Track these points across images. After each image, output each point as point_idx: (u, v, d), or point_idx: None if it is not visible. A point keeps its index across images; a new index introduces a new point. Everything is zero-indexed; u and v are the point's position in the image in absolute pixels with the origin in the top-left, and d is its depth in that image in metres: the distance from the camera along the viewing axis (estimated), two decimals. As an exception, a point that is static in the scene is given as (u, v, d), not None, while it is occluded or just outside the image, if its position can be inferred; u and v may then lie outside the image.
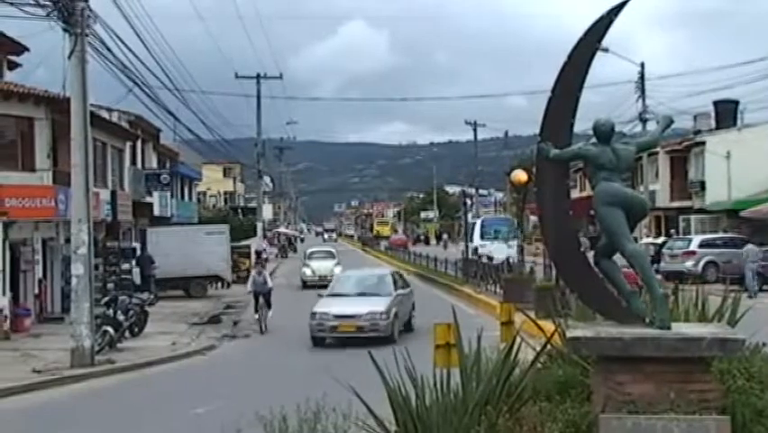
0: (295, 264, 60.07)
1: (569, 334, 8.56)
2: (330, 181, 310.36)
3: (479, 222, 51.88)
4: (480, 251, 45.83)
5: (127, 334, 25.01)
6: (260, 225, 67.67)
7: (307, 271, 45.10)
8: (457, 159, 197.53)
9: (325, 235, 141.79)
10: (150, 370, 21.34)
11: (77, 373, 20.24)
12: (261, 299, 28.43)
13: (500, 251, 43.86)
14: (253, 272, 30.43)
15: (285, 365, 21.30)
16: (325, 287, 31.77)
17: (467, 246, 45.22)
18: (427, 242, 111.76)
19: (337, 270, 41.04)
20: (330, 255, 48.08)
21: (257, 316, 28.49)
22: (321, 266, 45.17)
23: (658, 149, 52.87)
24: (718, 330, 8.56)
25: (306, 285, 43.15)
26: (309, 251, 49.64)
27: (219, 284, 42.29)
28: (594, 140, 9.12)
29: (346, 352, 21.96)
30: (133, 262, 38.08)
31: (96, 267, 27.72)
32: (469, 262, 42.95)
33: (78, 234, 21.24)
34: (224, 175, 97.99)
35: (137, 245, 40.69)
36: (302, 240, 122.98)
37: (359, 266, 41.42)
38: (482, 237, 48.37)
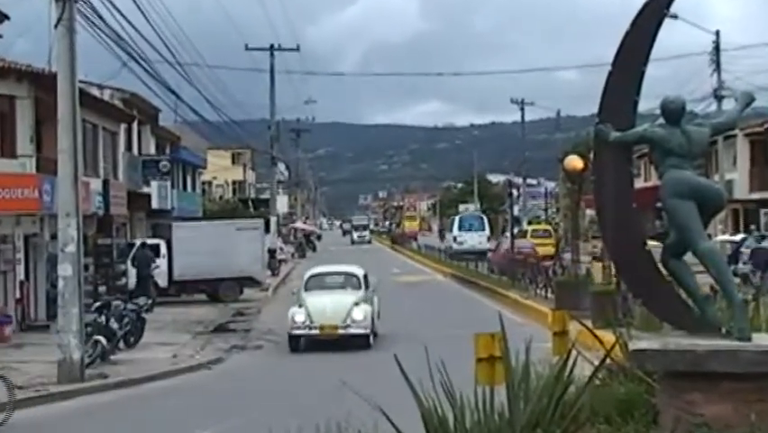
0: (313, 266, 59.99)
1: (632, 346, 8.55)
2: (354, 169, 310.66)
3: (457, 218, 77.53)
4: (457, 239, 71.37)
5: (121, 344, 25.18)
6: (273, 220, 67.79)
7: (298, 316, 26.20)
8: (501, 143, 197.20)
9: (355, 235, 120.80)
10: (147, 386, 21.45)
11: (64, 390, 20.38)
12: None
13: (473, 238, 70.32)
14: None
15: (302, 380, 21.38)
16: (333, 346, 25.45)
17: (512, 241, 47.10)
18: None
19: (359, 313, 26.06)
20: (349, 281, 28.09)
21: None
22: (326, 305, 26.35)
23: (736, 131, 52.48)
24: (807, 342, 8.52)
25: (295, 342, 26.56)
26: (310, 273, 28.96)
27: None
28: (661, 120, 9.10)
29: (372, 365, 21.98)
30: (128, 262, 38.42)
31: (86, 267, 27.92)
32: (515, 262, 43.21)
33: (66, 230, 21.38)
34: (233, 162, 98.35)
35: (161, 242, 41.13)
36: (319, 238, 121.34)
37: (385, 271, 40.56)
38: (460, 229, 72.85)
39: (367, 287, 27.90)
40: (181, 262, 40.17)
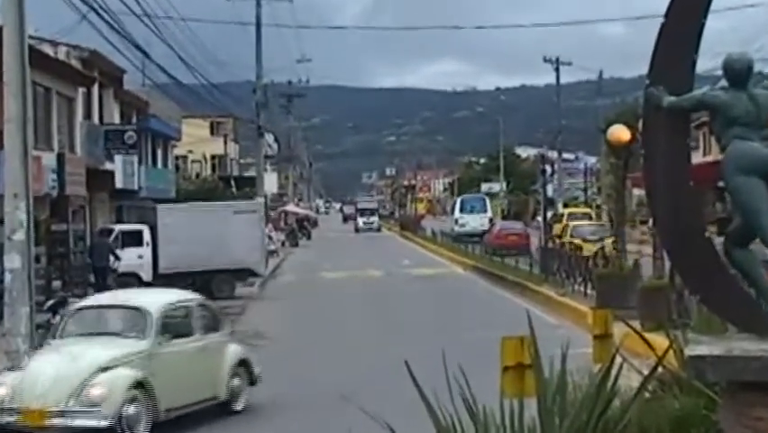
0: (309, 257, 60.06)
1: (689, 351, 8.54)
2: (356, 141, 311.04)
3: (459, 200, 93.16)
4: (459, 221, 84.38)
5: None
6: (260, 202, 67.94)
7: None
8: (532, 110, 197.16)
9: (360, 221, 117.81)
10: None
11: (12, 404, 20.40)
12: None
13: (474, 220, 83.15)
14: None
15: (296, 391, 21.41)
16: None
17: (544, 228, 49.06)
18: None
19: (99, 388, 16.01)
20: (132, 323, 17.72)
21: None
22: (47, 371, 16.65)
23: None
24: None
25: None
26: (75, 307, 19.35)
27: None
28: (724, 83, 9.06)
29: (374, 373, 22.02)
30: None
31: (38, 258, 27.94)
32: (549, 251, 43.38)
33: (14, 214, 21.37)
34: (212, 133, 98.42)
35: (144, 228, 41.06)
36: (315, 223, 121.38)
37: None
38: (461, 211, 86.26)
39: (164, 332, 17.41)
40: (169, 253, 39.73)
